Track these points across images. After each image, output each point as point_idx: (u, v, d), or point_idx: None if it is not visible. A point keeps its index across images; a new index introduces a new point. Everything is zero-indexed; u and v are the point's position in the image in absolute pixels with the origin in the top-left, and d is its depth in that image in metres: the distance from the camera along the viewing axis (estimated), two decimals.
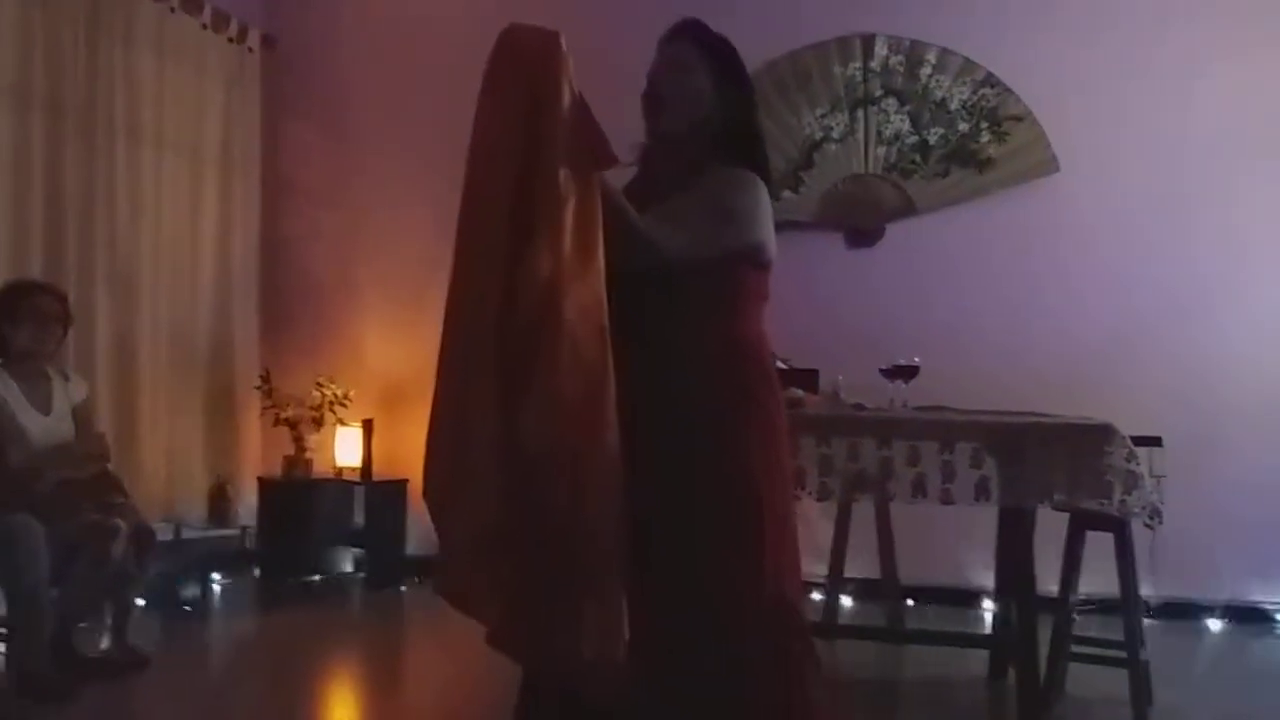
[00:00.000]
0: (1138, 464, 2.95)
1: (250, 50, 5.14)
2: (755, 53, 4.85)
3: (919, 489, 3.05)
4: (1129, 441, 2.94)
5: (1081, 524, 3.26)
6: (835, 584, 4.14)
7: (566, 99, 1.76)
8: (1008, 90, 4.71)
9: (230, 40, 5.01)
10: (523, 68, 1.77)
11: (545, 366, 1.73)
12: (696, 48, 2.07)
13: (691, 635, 1.88)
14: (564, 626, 1.74)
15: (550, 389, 1.73)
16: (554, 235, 1.73)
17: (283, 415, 4.83)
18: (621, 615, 1.74)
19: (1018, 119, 4.71)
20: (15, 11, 3.85)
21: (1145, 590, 3.58)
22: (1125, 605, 3.13)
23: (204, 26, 4.83)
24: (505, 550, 1.76)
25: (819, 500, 3.22)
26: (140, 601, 3.93)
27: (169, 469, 4.58)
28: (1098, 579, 3.33)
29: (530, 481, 1.73)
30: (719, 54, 2.09)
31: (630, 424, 1.79)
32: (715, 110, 2.05)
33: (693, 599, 1.89)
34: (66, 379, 3.70)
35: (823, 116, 4.84)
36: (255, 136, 5.21)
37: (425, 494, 1.82)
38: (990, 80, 4.73)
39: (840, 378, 3.53)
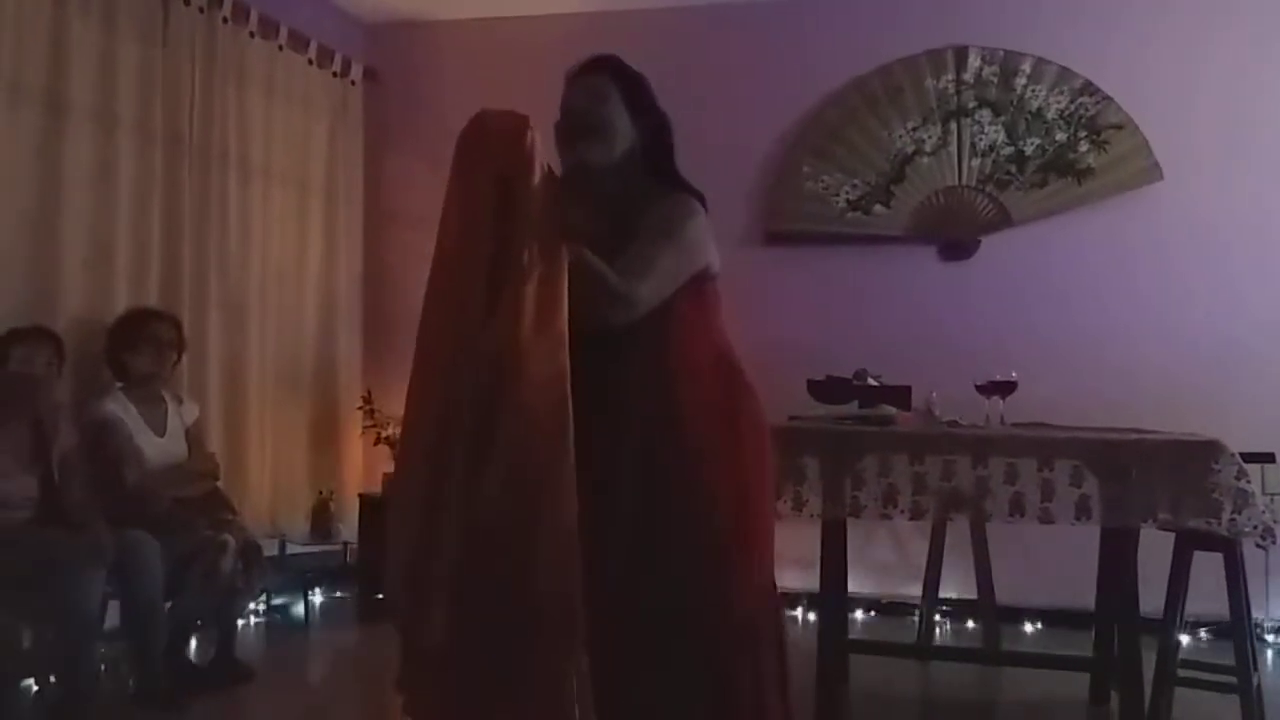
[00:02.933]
0: (1248, 481, 2.83)
1: (353, 84, 5.32)
2: (846, 68, 4.92)
3: (1017, 508, 2.97)
4: (1238, 458, 2.83)
5: (1189, 544, 3.14)
6: (930, 604, 4.06)
7: (536, 178, 1.79)
8: (1107, 98, 4.59)
9: (334, 75, 5.19)
10: (493, 150, 1.81)
11: (504, 438, 1.74)
12: (611, 79, 2.07)
13: (674, 666, 1.91)
14: (514, 699, 1.76)
15: (508, 460, 1.74)
16: (515, 310, 1.75)
17: (383, 434, 4.96)
18: (571, 684, 1.74)
19: (1118, 127, 4.58)
20: (139, 53, 4.07)
21: (1258, 613, 3.43)
22: (1235, 628, 3.00)
23: (310, 62, 5.02)
24: (462, 621, 1.76)
25: (912, 519, 3.15)
26: (247, 614, 4.09)
27: (275, 487, 4.73)
28: (1207, 600, 3.20)
29: (483, 551, 1.74)
30: (634, 87, 2.09)
31: (614, 456, 1.82)
32: (636, 140, 2.07)
33: (674, 621, 1.92)
34: (180, 401, 3.89)
35: (914, 129, 4.79)
36: (358, 167, 5.38)
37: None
38: (1089, 88, 4.62)
39: (934, 394, 3.47)
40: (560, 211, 1.84)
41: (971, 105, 4.74)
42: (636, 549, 1.89)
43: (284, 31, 4.83)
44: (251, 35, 4.65)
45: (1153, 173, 4.53)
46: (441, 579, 1.74)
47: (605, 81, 2.06)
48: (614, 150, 2.04)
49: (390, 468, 4.97)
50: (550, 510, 1.75)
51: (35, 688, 3.41)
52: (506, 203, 1.78)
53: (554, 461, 1.75)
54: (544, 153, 1.85)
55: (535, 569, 1.74)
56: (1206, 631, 3.99)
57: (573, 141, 2.03)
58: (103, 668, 3.50)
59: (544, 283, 1.79)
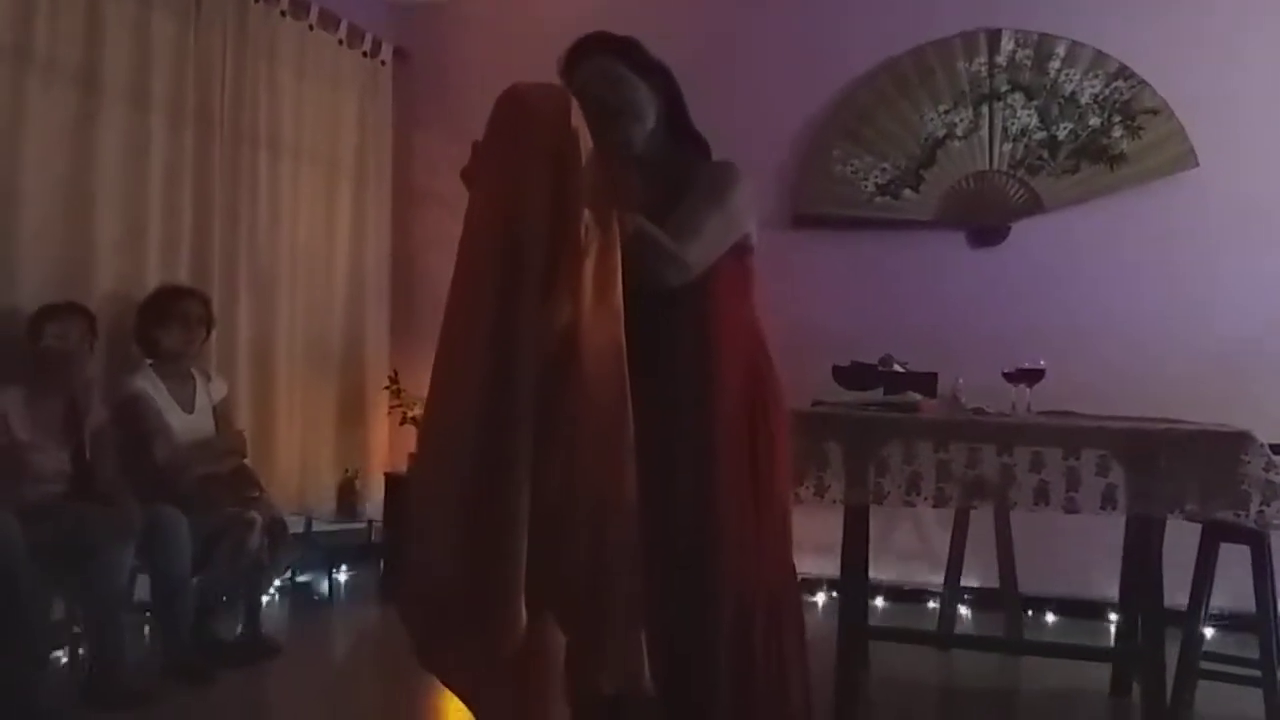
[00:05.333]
0: (1278, 473, 2.80)
1: (383, 64, 5.33)
2: (877, 50, 4.88)
3: (1041, 497, 2.95)
4: (1268, 450, 2.80)
5: (1215, 535, 3.11)
6: (952, 593, 4.04)
7: (584, 152, 1.77)
8: (1142, 83, 4.52)
9: (364, 55, 5.21)
10: (539, 125, 1.78)
11: (566, 415, 1.74)
12: (615, 58, 2.05)
13: (705, 631, 1.93)
14: (584, 665, 1.76)
15: (571, 437, 1.74)
16: (575, 284, 1.75)
17: (409, 414, 4.99)
18: (640, 648, 1.75)
19: (1153, 112, 4.51)
20: (172, 32, 4.10)
21: None
22: (1261, 621, 2.97)
23: (340, 42, 5.04)
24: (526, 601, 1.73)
25: (936, 507, 3.13)
26: (272, 590, 4.14)
27: (301, 464, 4.78)
28: (1232, 593, 3.17)
29: (552, 531, 1.73)
30: (636, 55, 2.07)
31: (654, 423, 1.81)
32: (660, 114, 2.08)
33: (707, 590, 1.94)
34: (209, 379, 3.93)
35: (946, 113, 4.74)
36: (387, 147, 5.40)
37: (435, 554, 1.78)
38: (1124, 73, 4.55)
39: (960, 381, 3.45)
40: (609, 183, 1.85)
41: (1004, 89, 4.69)
42: (663, 516, 1.89)
43: (315, 11, 4.85)
44: (283, 14, 4.67)
45: (1188, 159, 4.46)
46: (518, 577, 1.70)
47: (611, 61, 2.05)
48: (648, 126, 2.07)
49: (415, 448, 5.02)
50: (614, 484, 1.75)
51: (65, 659, 3.48)
52: (558, 178, 1.76)
53: (614, 434, 1.76)
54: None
55: (602, 544, 1.75)
56: (1231, 624, 3.95)
57: (608, 128, 2.02)
58: (131, 640, 3.55)
59: (600, 256, 1.79)
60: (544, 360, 1.75)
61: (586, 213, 1.78)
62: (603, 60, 2.05)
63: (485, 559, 1.71)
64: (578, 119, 1.79)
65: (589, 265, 1.78)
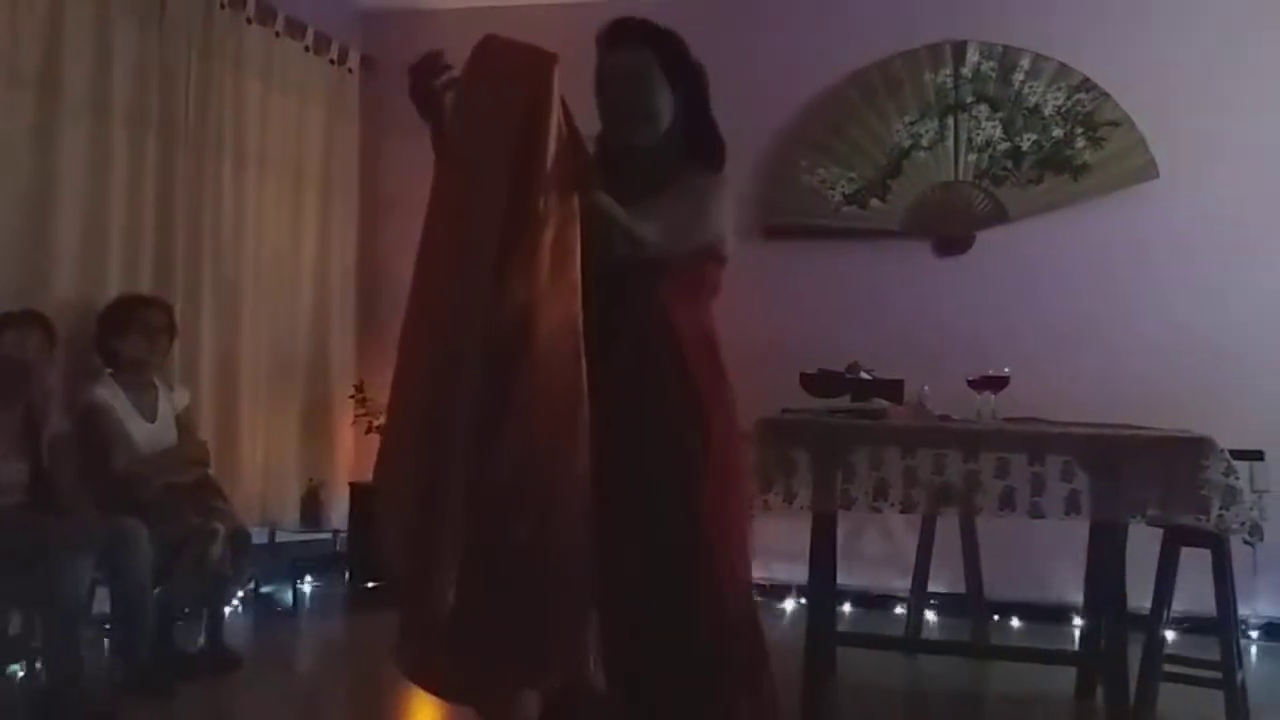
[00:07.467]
0: (1237, 478, 2.86)
1: (350, 71, 5.30)
2: (845, 62, 4.92)
3: (1007, 502, 2.99)
4: (1228, 455, 2.85)
5: (1176, 539, 3.15)
6: (919, 598, 4.06)
7: (555, 120, 1.73)
8: (1104, 95, 4.59)
9: (331, 62, 5.18)
10: (518, 84, 1.74)
11: (520, 394, 1.70)
12: (652, 52, 2.04)
13: (664, 638, 1.91)
14: (529, 660, 1.74)
15: (525, 417, 1.71)
16: (532, 257, 1.71)
17: (375, 424, 4.95)
18: (586, 641, 1.73)
19: (1115, 124, 4.57)
20: (134, 38, 4.05)
21: (1244, 610, 3.44)
22: (1221, 624, 3.01)
23: (306, 49, 5.00)
24: (470, 585, 1.71)
25: (903, 513, 3.16)
26: (235, 602, 4.09)
27: (265, 474, 4.72)
28: (1193, 596, 3.21)
29: (499, 512, 1.71)
30: (672, 53, 2.07)
31: (605, 422, 1.77)
32: (678, 115, 2.06)
33: (664, 597, 1.91)
34: (171, 388, 3.88)
35: (912, 124, 4.79)
36: (354, 156, 5.36)
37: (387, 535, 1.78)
38: (1086, 85, 4.61)
39: (926, 388, 3.48)
40: (580, 153, 1.79)
41: (969, 100, 4.74)
42: (614, 512, 1.86)
43: (281, 18, 4.81)
44: (249, 21, 4.63)
45: (1148, 170, 4.53)
46: (452, 542, 1.68)
47: (645, 58, 2.03)
48: (659, 129, 2.03)
49: None
50: (565, 464, 1.71)
51: (23, 673, 3.42)
52: (525, 142, 1.71)
53: (568, 415, 1.72)
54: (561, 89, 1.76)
55: (552, 526, 1.71)
56: (1191, 627, 4.00)
57: (618, 126, 2.02)
58: (90, 654, 3.49)
59: (559, 228, 1.74)
60: (497, 334, 1.71)
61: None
62: (636, 55, 2.03)
63: (419, 523, 1.71)
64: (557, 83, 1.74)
65: (547, 237, 1.73)
